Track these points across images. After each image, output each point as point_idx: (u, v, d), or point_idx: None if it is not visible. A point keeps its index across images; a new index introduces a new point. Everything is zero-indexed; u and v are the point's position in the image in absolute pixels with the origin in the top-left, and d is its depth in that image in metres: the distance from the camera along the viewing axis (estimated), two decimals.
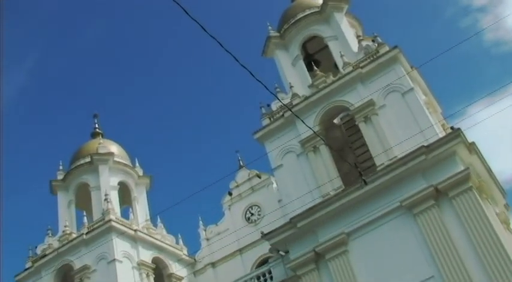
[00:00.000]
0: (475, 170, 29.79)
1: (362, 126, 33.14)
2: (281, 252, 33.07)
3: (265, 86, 17.93)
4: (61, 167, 47.93)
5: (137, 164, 48.92)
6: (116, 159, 46.79)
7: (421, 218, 28.52)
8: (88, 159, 46.15)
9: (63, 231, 42.28)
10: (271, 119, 36.44)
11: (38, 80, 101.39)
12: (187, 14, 13.60)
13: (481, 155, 30.61)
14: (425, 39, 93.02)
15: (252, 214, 42.40)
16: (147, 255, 41.31)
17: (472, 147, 29.82)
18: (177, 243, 45.05)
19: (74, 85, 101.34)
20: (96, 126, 51.50)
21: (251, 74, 16.71)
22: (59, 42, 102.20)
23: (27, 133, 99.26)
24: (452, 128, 30.04)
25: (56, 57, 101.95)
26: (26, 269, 41.67)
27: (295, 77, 38.69)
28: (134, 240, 41.01)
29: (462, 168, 28.63)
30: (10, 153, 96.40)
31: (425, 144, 29.35)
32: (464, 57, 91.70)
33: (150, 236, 42.59)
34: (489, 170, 31.35)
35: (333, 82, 35.01)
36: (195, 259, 43.93)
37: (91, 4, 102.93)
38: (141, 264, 40.07)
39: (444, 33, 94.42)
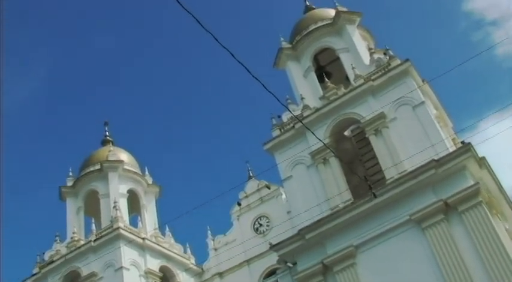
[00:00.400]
0: (485, 185, 29.68)
1: (372, 139, 33.09)
2: (289, 264, 32.95)
3: (276, 98, 17.99)
4: (71, 174, 48.08)
5: (147, 172, 49.03)
6: (126, 167, 46.90)
7: (430, 232, 28.41)
8: (98, 167, 46.27)
9: (72, 238, 42.35)
10: (282, 130, 36.41)
11: (50, 87, 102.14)
12: (201, 24, 13.67)
13: (491, 170, 30.47)
14: (437, 52, 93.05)
15: (261, 225, 42.22)
16: (154, 264, 41.31)
17: (482, 162, 29.70)
18: (185, 252, 45.05)
19: (85, 92, 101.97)
20: (107, 133, 51.78)
21: (263, 85, 16.76)
22: (72, 50, 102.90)
23: (37, 139, 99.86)
24: (462, 142, 29.94)
25: (68, 64, 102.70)
26: (33, 275, 41.75)
27: (306, 88, 38.69)
28: (142, 248, 41.03)
29: (472, 183, 28.53)
30: (20, 159, 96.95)
31: (436, 158, 29.27)
32: (475, 71, 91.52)
33: (158, 244, 42.60)
34: (499, 186, 31.20)
35: (344, 94, 35.00)
36: (202, 269, 43.75)
37: (104, 13, 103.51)
38: (148, 273, 40.07)
39: (456, 46, 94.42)
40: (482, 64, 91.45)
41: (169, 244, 44.18)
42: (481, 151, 29.69)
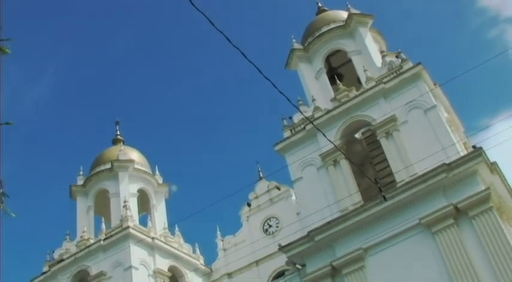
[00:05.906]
0: (496, 190, 29.45)
1: (383, 142, 32.98)
2: (298, 266, 32.87)
3: (287, 99, 17.93)
4: (81, 173, 48.23)
5: (157, 172, 49.06)
6: (136, 166, 46.96)
7: (440, 237, 28.25)
8: (108, 166, 46.35)
9: (81, 237, 42.47)
10: (293, 132, 36.35)
11: (61, 86, 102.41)
12: (212, 24, 13.66)
13: (503, 175, 30.25)
14: (451, 50, 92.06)
15: (270, 226, 42.24)
16: (163, 264, 41.33)
17: (493, 167, 29.50)
18: (194, 252, 45.03)
19: (97, 92, 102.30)
20: (118, 133, 51.84)
21: (274, 86, 16.70)
22: (84, 49, 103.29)
23: (49, 138, 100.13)
24: (474, 146, 29.77)
25: (80, 63, 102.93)
26: (43, 273, 41.90)
27: (317, 90, 38.63)
28: (151, 248, 41.05)
29: (483, 187, 28.34)
30: (32, 157, 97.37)
31: (447, 162, 29.10)
32: (489, 70, 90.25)
33: (167, 244, 42.61)
34: (510, 191, 30.98)
35: (356, 96, 34.91)
36: (211, 269, 43.83)
37: (115, 12, 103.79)
38: (157, 272, 40.08)
39: (470, 44, 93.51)
40: (496, 62, 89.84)
41: (179, 244, 44.19)
42: (492, 155, 29.53)
